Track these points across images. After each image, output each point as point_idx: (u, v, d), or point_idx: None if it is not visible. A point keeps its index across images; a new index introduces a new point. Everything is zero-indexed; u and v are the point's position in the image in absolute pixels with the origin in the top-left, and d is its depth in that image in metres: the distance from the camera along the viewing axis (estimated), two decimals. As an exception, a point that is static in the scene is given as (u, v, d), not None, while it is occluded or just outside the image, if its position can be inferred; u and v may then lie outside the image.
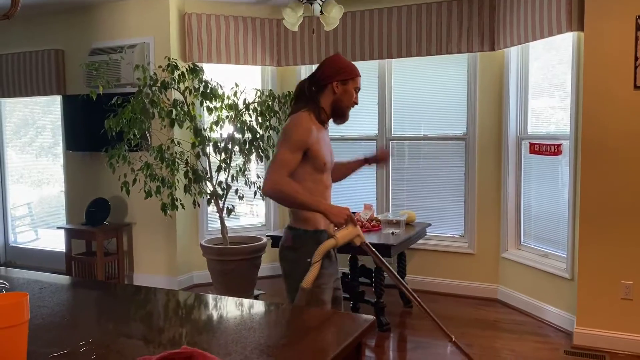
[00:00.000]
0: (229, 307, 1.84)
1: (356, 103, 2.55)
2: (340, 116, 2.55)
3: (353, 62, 2.61)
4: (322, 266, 2.33)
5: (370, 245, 2.49)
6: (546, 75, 4.40)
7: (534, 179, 4.54)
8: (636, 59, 3.49)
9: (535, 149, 4.42)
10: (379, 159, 2.79)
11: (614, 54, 3.57)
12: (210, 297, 1.96)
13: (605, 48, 3.60)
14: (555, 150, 4.20)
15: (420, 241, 4.73)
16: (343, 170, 2.77)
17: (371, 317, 1.65)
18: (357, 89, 2.54)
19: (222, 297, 1.96)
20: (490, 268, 4.86)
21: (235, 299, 1.92)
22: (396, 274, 2.63)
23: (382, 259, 2.54)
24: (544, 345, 3.81)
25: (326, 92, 2.50)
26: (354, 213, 2.55)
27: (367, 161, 2.79)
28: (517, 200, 4.67)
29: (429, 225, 4.77)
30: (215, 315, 1.79)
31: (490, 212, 4.83)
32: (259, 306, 1.86)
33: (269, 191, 2.36)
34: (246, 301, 1.89)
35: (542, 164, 4.41)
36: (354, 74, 2.52)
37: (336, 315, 1.77)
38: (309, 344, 1.52)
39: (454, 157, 5.02)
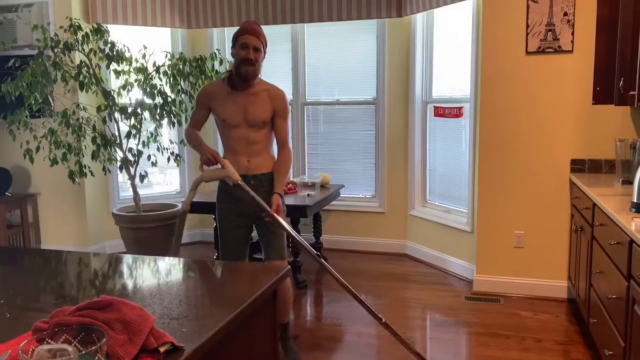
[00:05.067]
0: (145, 266, 1.87)
1: (246, 58, 2.68)
2: (239, 76, 2.74)
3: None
4: (222, 201, 2.86)
5: (245, 186, 2.64)
6: (450, 42, 4.63)
7: (439, 141, 4.81)
8: (527, 26, 3.77)
9: (439, 112, 4.68)
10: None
11: (509, 22, 3.83)
12: (125, 257, 1.97)
13: (501, 15, 3.85)
14: (457, 113, 4.48)
15: (334, 202, 4.90)
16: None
17: (286, 265, 1.75)
18: (243, 45, 2.69)
19: (138, 256, 1.98)
20: (399, 225, 5.14)
21: (151, 257, 1.94)
22: (289, 228, 2.54)
23: (264, 204, 2.63)
24: (447, 293, 4.13)
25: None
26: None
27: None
28: (423, 161, 4.94)
29: (343, 186, 4.96)
30: (131, 273, 1.81)
31: (398, 173, 5.08)
32: (175, 264, 1.90)
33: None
34: (162, 260, 1.92)
35: (446, 126, 4.68)
36: (237, 34, 2.73)
37: (252, 266, 1.85)
38: (227, 292, 1.60)
39: (365, 121, 5.20)
